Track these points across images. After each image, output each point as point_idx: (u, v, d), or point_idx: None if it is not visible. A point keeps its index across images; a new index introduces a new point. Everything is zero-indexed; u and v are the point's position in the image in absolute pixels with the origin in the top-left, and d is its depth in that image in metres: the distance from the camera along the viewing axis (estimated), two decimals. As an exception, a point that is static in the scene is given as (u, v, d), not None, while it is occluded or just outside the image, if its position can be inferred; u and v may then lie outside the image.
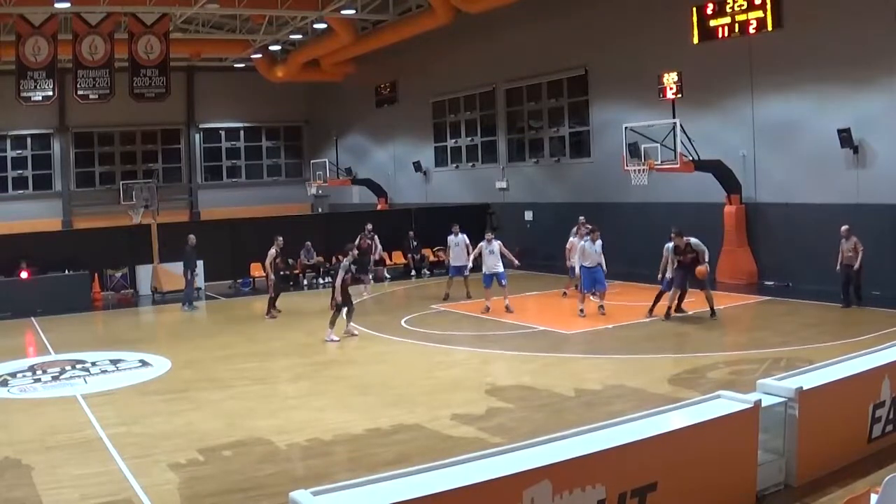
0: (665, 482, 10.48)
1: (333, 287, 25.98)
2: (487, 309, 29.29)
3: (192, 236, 33.48)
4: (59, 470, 14.12)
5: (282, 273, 33.30)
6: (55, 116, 59.05)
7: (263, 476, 13.65)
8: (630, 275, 31.68)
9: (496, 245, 29.72)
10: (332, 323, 25.88)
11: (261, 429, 16.29)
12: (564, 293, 32.43)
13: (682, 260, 26.87)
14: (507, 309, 29.18)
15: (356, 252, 28.45)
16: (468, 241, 32.21)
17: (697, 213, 33.20)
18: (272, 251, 31.12)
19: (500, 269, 29.51)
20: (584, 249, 28.07)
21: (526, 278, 36.44)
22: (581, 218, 31.74)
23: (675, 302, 27.55)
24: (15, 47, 38.38)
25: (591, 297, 29.03)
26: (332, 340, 25.50)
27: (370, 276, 38.41)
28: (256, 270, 38.15)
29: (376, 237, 39.04)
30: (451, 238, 33.55)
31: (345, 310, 25.97)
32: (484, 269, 29.77)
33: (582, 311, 27.99)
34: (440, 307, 31.03)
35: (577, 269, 28.59)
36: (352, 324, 26.21)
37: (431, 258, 42.07)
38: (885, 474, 9.27)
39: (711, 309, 27.21)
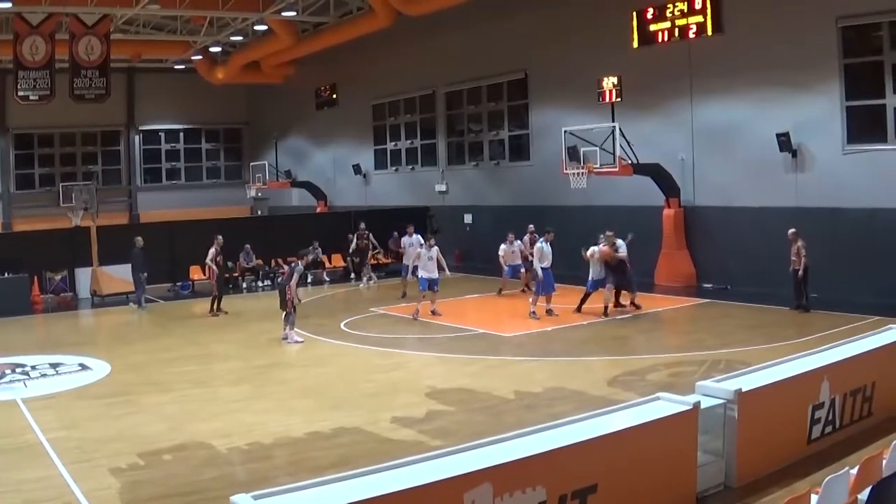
0: (605, 484, 10.52)
1: (284, 288, 25.82)
2: (417, 312, 28.87)
3: (139, 238, 33.43)
4: (1, 475, 13.94)
5: (226, 276, 33.27)
6: (-5, 118, 58.67)
7: (205, 480, 13.55)
8: (570, 277, 31.68)
9: (435, 251, 29.55)
10: (293, 324, 25.83)
11: (202, 432, 16.18)
12: (500, 291, 32.75)
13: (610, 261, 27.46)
14: (434, 312, 29.08)
15: (310, 258, 28.55)
16: (422, 242, 32.27)
17: (636, 216, 33.34)
18: (212, 250, 31.12)
19: (437, 275, 29.37)
20: (542, 251, 28.17)
21: (465, 281, 36.48)
22: (531, 226, 32.05)
23: (612, 300, 28.04)
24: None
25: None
26: (297, 342, 25.48)
27: (371, 273, 39.43)
28: (196, 273, 37.94)
29: (371, 235, 39.55)
30: (405, 239, 34.32)
31: (283, 314, 25.93)
32: (422, 274, 29.50)
33: (534, 312, 28.10)
34: (380, 310, 31.00)
35: (539, 272, 28.61)
36: (289, 331, 26.08)
37: (371, 261, 41.96)
38: (824, 475, 9.38)
39: (632, 303, 28.40)
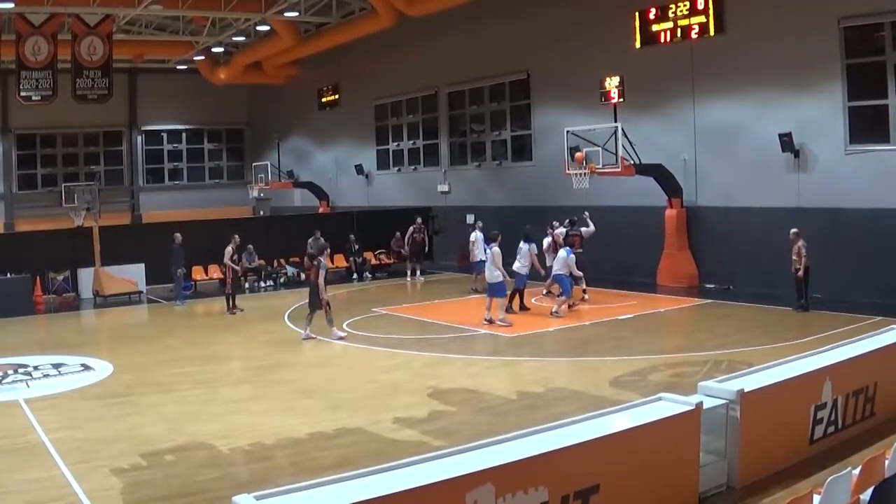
0: (607, 484, 10.50)
1: (316, 286, 25.67)
2: (504, 320, 27.17)
3: (178, 234, 33.81)
4: (2, 475, 13.94)
5: (241, 276, 33.35)
6: (-4, 118, 58.72)
7: (206, 480, 13.55)
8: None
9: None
10: (331, 321, 25.82)
11: (203, 433, 16.19)
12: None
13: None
14: (493, 321, 27.43)
15: (328, 251, 28.27)
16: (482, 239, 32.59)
17: (638, 217, 33.32)
18: (229, 248, 31.23)
19: (493, 279, 27.57)
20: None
21: (467, 281, 36.39)
22: (555, 223, 31.97)
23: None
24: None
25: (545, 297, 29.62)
26: (341, 337, 25.49)
27: (420, 268, 40.25)
28: (198, 273, 37.98)
29: (425, 229, 40.33)
30: (475, 234, 34.25)
31: (315, 312, 25.88)
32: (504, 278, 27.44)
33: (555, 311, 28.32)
34: (383, 310, 30.97)
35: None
36: (308, 330, 25.99)
37: (374, 261, 41.95)
38: (827, 475, 9.35)
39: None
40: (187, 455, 14.88)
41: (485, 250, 29.46)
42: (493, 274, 27.06)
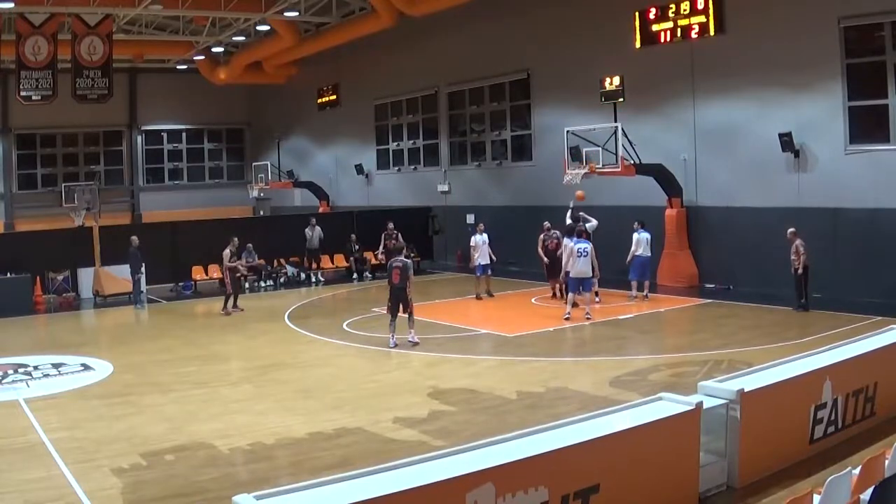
0: (607, 484, 10.50)
1: (405, 290, 24.38)
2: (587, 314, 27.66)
3: (134, 238, 33.56)
4: (2, 475, 13.94)
5: (238, 276, 33.17)
6: (-4, 118, 58.71)
7: (206, 480, 13.55)
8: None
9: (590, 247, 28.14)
10: (412, 324, 24.94)
11: (203, 433, 16.20)
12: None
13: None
14: (587, 316, 27.60)
15: (404, 249, 27.42)
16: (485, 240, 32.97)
17: (638, 217, 33.26)
18: (226, 251, 31.26)
19: (590, 274, 28.05)
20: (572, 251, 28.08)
21: (467, 281, 36.40)
22: (546, 223, 31.91)
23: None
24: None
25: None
26: (415, 342, 24.50)
27: None
28: (198, 273, 37.97)
29: (399, 235, 39.66)
30: (476, 237, 33.87)
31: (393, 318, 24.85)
32: (574, 274, 28.04)
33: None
34: (383, 310, 30.87)
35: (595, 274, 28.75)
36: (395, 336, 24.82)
37: (373, 261, 41.87)
38: (827, 475, 9.34)
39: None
40: (187, 455, 14.88)
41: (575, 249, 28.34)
42: (589, 270, 27.57)
